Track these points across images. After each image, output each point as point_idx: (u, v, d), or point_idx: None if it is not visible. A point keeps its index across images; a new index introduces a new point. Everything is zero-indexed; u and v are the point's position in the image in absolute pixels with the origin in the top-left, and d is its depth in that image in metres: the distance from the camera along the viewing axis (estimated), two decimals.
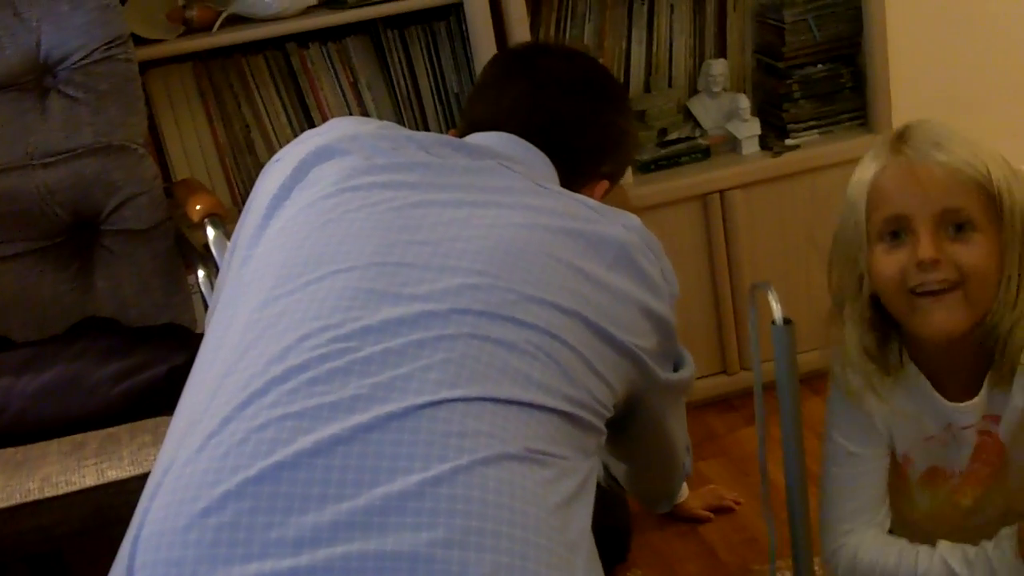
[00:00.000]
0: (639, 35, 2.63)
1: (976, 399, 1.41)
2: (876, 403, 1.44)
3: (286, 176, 1.31)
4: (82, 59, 2.12)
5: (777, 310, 1.19)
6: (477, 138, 1.43)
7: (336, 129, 1.36)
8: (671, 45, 2.65)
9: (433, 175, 1.27)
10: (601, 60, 2.54)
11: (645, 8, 2.61)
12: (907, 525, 1.56)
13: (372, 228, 1.20)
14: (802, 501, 1.31)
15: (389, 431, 1.03)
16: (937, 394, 1.43)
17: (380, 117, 2.49)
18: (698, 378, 2.63)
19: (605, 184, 1.52)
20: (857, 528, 1.51)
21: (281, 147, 2.44)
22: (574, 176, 1.45)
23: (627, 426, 1.33)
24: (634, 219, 1.31)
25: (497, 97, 1.49)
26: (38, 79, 2.15)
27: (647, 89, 2.67)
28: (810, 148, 2.60)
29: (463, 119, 1.53)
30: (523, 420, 1.08)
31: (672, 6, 2.62)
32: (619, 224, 1.28)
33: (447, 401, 1.06)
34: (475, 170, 1.29)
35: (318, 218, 1.23)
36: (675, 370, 1.37)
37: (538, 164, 1.41)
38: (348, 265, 1.16)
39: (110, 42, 2.12)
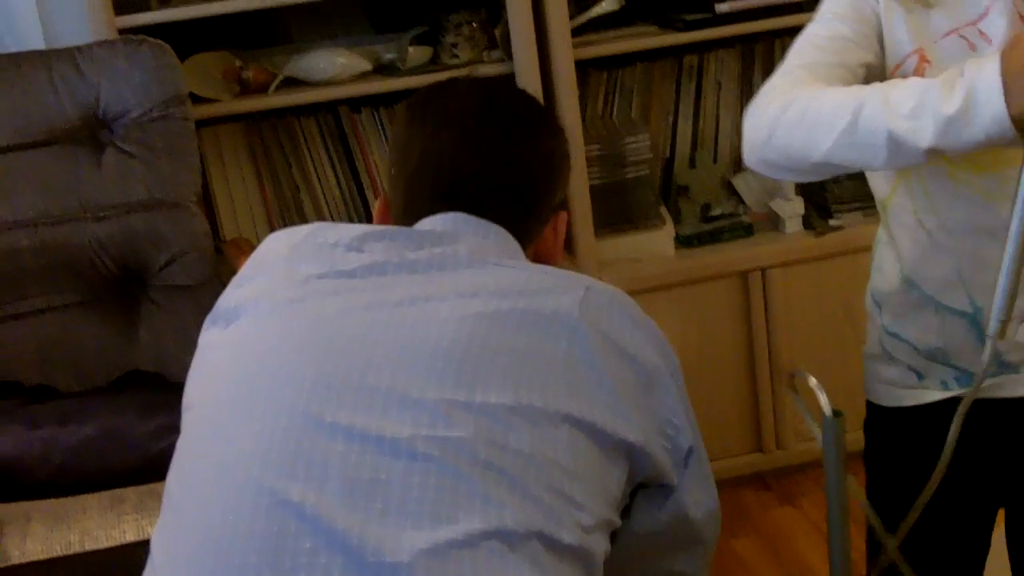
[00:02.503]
0: (686, 110, 2.65)
1: None
2: None
3: (217, 309, 1.25)
4: (139, 116, 2.15)
5: (825, 402, 1.19)
6: (422, 224, 1.28)
7: (257, 253, 1.28)
8: (717, 121, 2.68)
9: (356, 279, 1.17)
10: (647, 134, 2.56)
11: (693, 85, 2.63)
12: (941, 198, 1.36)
13: (286, 353, 1.12)
14: None
15: None
16: None
17: None
18: (733, 456, 2.64)
19: (563, 214, 1.39)
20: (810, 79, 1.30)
21: (329, 208, 2.50)
22: (532, 224, 1.33)
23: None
24: (603, 284, 1.21)
25: (432, 159, 1.30)
26: (94, 133, 2.18)
27: (692, 164, 2.69)
28: (852, 228, 2.60)
29: (395, 185, 1.34)
30: (495, 564, 0.99)
31: (720, 83, 2.65)
32: (581, 287, 1.18)
33: (399, 566, 0.97)
34: (407, 266, 1.18)
35: (233, 354, 1.17)
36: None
37: (490, 238, 1.27)
38: (263, 400, 1.09)
39: (168, 100, 2.15)
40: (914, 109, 1.16)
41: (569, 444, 1.09)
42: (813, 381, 1.21)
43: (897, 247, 1.48)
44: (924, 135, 1.15)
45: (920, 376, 1.50)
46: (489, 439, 1.04)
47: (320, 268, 1.18)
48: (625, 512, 1.23)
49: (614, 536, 1.18)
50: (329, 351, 1.10)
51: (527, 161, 1.31)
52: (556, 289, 1.17)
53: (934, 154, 1.18)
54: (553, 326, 1.13)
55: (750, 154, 1.35)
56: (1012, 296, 1.20)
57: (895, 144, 1.18)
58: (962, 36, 1.33)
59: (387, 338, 1.11)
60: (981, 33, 1.31)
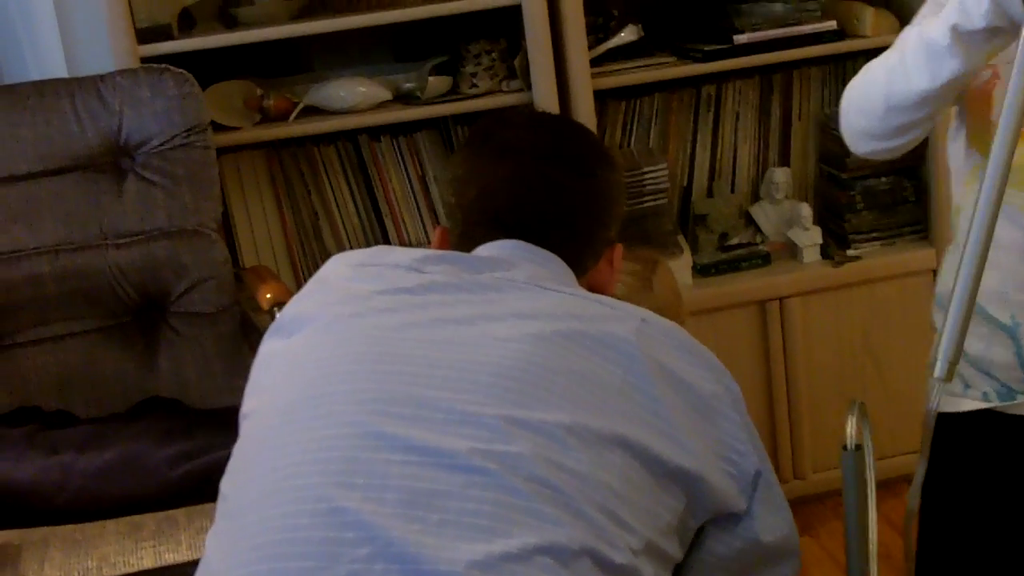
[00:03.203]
0: (704, 140, 2.66)
1: None
2: None
3: (280, 320, 1.28)
4: (161, 144, 2.17)
5: (851, 434, 1.19)
6: (480, 250, 1.31)
7: (321, 271, 1.31)
8: (735, 151, 2.68)
9: (417, 296, 1.19)
10: (665, 164, 2.57)
11: (711, 114, 2.64)
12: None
13: (347, 364, 1.14)
14: None
15: None
16: None
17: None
18: None
19: (619, 247, 1.40)
20: None
21: (348, 236, 2.51)
22: (587, 255, 1.34)
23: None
24: (661, 318, 1.23)
25: (492, 189, 1.32)
26: (116, 161, 2.20)
27: (710, 194, 2.69)
28: (870, 258, 2.60)
29: (454, 215, 1.36)
30: None
31: (738, 113, 2.65)
32: (636, 318, 1.19)
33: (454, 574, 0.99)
34: (466, 286, 1.20)
35: (293, 363, 1.19)
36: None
37: (547, 265, 1.28)
38: (324, 411, 1.11)
39: (189, 129, 2.17)
40: (942, 15, 1.31)
41: (621, 468, 1.10)
42: (855, 412, 1.20)
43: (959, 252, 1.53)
44: (946, 27, 1.29)
45: (967, 386, 1.53)
46: (546, 457, 1.06)
47: (381, 285, 1.21)
48: (697, 543, 1.23)
49: (679, 570, 1.18)
50: (389, 365, 1.12)
51: (584, 193, 1.33)
52: (612, 317, 1.19)
53: (963, 48, 1.29)
54: (609, 352, 1.15)
55: (849, 144, 1.52)
56: (960, 337, 1.22)
57: (931, 50, 1.32)
58: None
59: (446, 355, 1.12)
60: None
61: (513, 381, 1.10)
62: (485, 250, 1.30)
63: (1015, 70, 1.17)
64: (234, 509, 1.12)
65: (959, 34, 1.28)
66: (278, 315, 1.29)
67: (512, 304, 1.18)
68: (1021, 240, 1.39)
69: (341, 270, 1.27)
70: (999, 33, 1.27)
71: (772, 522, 1.25)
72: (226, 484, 1.17)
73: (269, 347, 1.26)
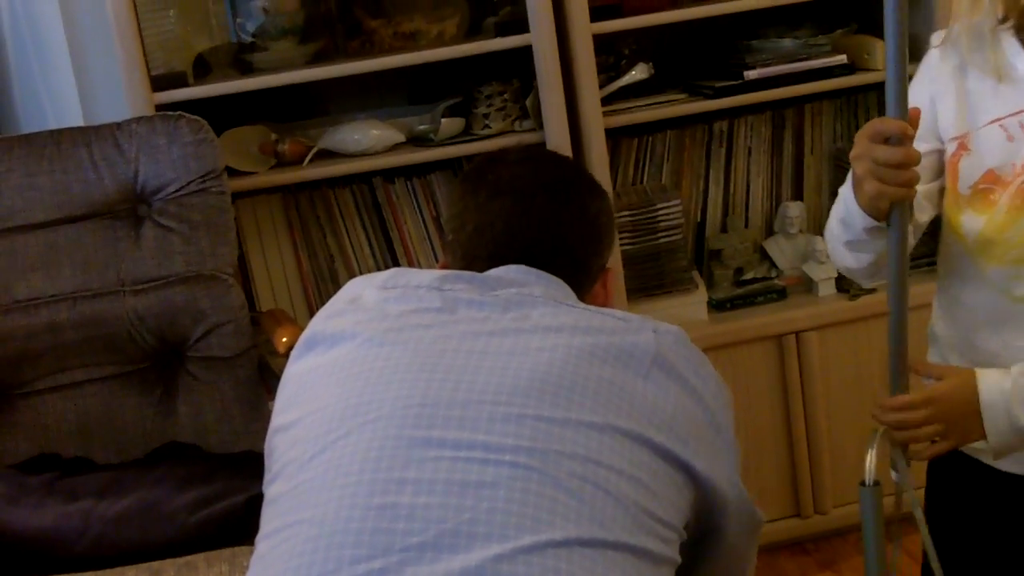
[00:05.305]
0: (717, 176, 2.67)
1: None
2: (959, 77, 1.43)
3: (312, 338, 1.34)
4: (177, 191, 2.19)
5: (869, 468, 1.19)
6: (490, 273, 1.37)
7: (346, 292, 1.37)
8: (748, 186, 2.69)
9: (446, 314, 1.27)
10: (679, 200, 2.57)
11: (723, 150, 2.65)
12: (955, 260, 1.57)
13: (391, 374, 1.22)
14: None
15: None
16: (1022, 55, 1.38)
17: None
18: (771, 520, 2.61)
19: (612, 272, 1.49)
20: None
21: None
22: (584, 280, 1.41)
23: (699, 560, 1.33)
24: (667, 325, 1.30)
25: (488, 223, 1.39)
26: (133, 208, 2.22)
27: (724, 229, 2.69)
28: (886, 291, 2.59)
29: (452, 250, 1.43)
30: (588, 565, 1.09)
31: (750, 149, 2.66)
32: (649, 329, 1.27)
33: (502, 557, 1.07)
34: (490, 303, 1.28)
35: (337, 375, 1.26)
36: None
37: (554, 286, 1.35)
38: (373, 416, 1.18)
39: (205, 175, 2.19)
40: (840, 222, 1.52)
41: (650, 466, 1.18)
42: (875, 444, 1.23)
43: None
44: (839, 233, 1.52)
45: None
46: (584, 455, 1.14)
47: (411, 305, 1.28)
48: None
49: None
50: (431, 373, 1.20)
51: (576, 222, 1.41)
52: (629, 330, 1.26)
53: (854, 248, 1.54)
54: (632, 362, 1.23)
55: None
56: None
57: (834, 252, 1.58)
58: (1002, 126, 1.42)
59: (484, 364, 1.20)
60: (1022, 125, 1.40)
61: (551, 386, 1.18)
62: (495, 272, 1.36)
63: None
64: (287, 509, 1.18)
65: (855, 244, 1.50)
66: (305, 332, 1.34)
67: (537, 319, 1.25)
68: (984, 301, 1.51)
69: (367, 291, 1.34)
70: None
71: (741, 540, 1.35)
72: (277, 487, 1.23)
73: (305, 363, 1.32)
